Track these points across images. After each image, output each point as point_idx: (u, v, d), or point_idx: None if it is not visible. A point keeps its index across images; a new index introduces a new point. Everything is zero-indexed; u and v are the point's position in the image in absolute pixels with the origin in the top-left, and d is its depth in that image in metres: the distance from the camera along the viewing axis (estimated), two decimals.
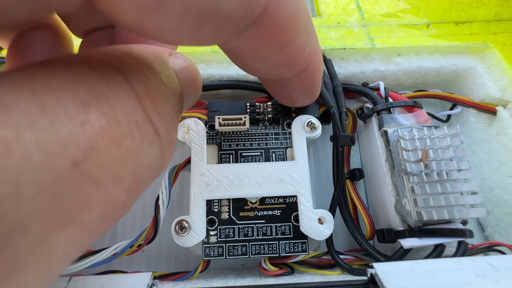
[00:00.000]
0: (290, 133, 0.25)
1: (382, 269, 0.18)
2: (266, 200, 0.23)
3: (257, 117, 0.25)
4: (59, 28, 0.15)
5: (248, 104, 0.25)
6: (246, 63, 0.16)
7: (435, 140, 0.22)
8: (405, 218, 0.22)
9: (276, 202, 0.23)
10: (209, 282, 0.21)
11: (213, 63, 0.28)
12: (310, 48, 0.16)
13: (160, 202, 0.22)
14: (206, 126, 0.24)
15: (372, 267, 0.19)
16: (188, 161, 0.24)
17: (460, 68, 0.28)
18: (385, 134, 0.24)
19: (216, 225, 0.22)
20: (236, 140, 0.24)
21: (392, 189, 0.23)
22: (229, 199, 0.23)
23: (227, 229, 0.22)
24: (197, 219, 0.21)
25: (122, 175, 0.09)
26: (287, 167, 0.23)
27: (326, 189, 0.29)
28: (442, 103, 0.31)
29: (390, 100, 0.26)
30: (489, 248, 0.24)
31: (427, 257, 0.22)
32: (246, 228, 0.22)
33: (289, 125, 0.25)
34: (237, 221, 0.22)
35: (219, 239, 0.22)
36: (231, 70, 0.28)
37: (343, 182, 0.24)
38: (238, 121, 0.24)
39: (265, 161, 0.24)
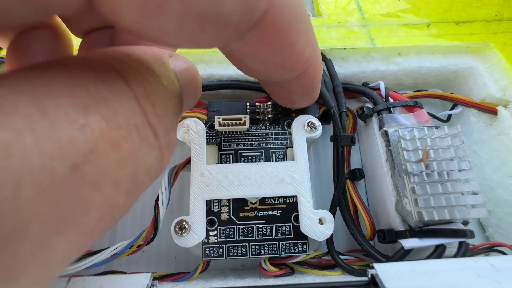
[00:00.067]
0: (290, 133, 0.25)
1: (382, 270, 0.18)
2: (266, 200, 0.23)
3: (257, 117, 0.25)
4: (58, 28, 0.15)
5: (248, 104, 0.25)
6: (246, 66, 0.16)
7: (435, 140, 0.22)
8: (406, 218, 0.22)
9: (276, 202, 0.23)
10: (209, 282, 0.21)
11: (213, 63, 0.28)
12: (309, 51, 0.16)
13: (159, 202, 0.22)
14: (206, 126, 0.24)
15: (372, 267, 0.19)
16: (188, 161, 0.24)
17: (460, 68, 0.28)
18: (385, 134, 0.24)
19: (216, 226, 0.22)
20: (236, 140, 0.24)
21: (392, 189, 0.23)
22: (229, 199, 0.23)
23: (227, 229, 0.22)
24: (197, 219, 0.21)
25: (121, 177, 0.09)
26: (287, 167, 0.23)
27: (326, 189, 0.29)
28: (442, 103, 0.31)
29: (391, 100, 0.26)
30: (490, 249, 0.24)
31: (428, 257, 0.22)
32: (246, 228, 0.22)
33: (289, 125, 0.25)
34: (237, 222, 0.22)
35: (219, 240, 0.22)
36: (231, 70, 0.28)
37: (344, 182, 0.24)
38: (238, 121, 0.24)
39: (265, 161, 0.24)
